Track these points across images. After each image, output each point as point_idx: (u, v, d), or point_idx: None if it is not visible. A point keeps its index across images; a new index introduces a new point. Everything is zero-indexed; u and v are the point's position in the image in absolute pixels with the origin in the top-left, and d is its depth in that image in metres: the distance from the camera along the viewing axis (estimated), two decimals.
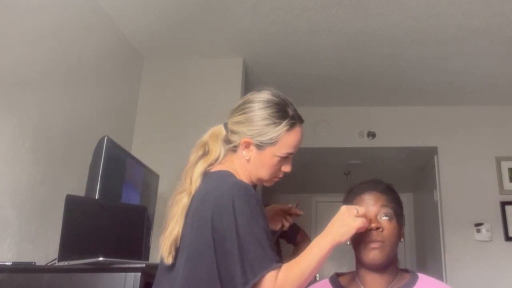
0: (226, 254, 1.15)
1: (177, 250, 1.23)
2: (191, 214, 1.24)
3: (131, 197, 2.39)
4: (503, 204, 3.69)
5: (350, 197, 1.32)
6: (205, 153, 1.35)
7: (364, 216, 1.18)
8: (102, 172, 2.08)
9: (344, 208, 1.19)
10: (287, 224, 1.53)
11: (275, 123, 1.29)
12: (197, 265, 1.19)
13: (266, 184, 1.39)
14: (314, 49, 3.14)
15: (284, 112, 1.31)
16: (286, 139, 1.30)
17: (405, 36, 2.94)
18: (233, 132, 1.33)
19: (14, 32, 1.94)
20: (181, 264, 1.21)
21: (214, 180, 1.27)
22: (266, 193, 4.16)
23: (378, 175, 1.60)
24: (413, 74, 3.46)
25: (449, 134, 3.95)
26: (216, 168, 1.32)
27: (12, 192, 1.92)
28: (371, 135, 4.04)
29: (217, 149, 1.34)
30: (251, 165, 1.32)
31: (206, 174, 1.30)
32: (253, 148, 1.30)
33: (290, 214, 1.54)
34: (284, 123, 1.29)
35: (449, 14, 2.70)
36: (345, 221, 1.16)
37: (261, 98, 1.33)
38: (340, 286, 1.31)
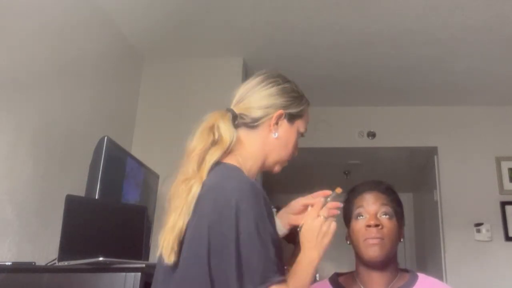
0: (222, 261, 1.01)
1: (180, 246, 1.07)
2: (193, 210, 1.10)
3: (131, 197, 2.39)
4: (503, 204, 3.69)
5: (351, 196, 1.33)
6: (216, 140, 1.19)
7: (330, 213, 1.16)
8: (102, 172, 2.07)
9: (310, 222, 1.16)
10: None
11: (301, 96, 1.28)
12: (189, 268, 1.06)
13: (276, 170, 1.28)
14: (314, 49, 3.14)
15: (300, 90, 1.30)
16: (307, 114, 1.29)
17: (405, 36, 2.94)
18: (258, 107, 1.23)
19: (14, 32, 1.94)
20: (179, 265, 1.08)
21: (219, 174, 1.13)
22: (266, 193, 4.15)
23: (378, 175, 1.61)
24: (413, 74, 3.46)
25: (449, 134, 3.95)
26: (226, 159, 1.18)
27: (12, 192, 1.92)
28: (371, 135, 4.03)
29: (231, 133, 1.19)
30: (278, 143, 1.23)
31: (216, 165, 1.15)
32: (284, 121, 1.24)
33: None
34: (305, 98, 1.29)
35: (449, 14, 2.70)
36: (322, 233, 1.14)
37: (280, 74, 1.30)
38: (340, 286, 1.31)
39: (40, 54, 2.12)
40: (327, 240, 1.13)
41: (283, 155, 1.26)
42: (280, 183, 4.05)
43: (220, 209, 1.04)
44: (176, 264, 1.07)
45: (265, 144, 1.23)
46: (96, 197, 2.03)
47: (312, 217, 1.16)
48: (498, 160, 3.80)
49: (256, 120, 1.23)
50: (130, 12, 2.75)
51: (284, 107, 1.24)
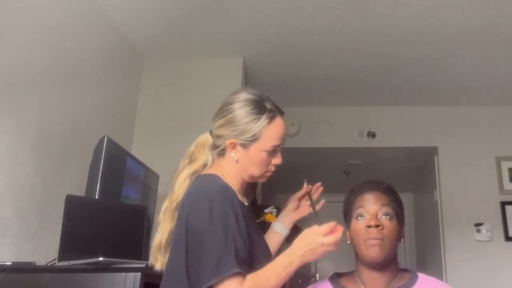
0: (195, 254, 1.17)
1: (162, 256, 1.29)
2: (176, 218, 1.29)
3: (131, 197, 2.40)
4: (503, 204, 3.69)
5: (352, 196, 1.33)
6: (191, 161, 1.38)
7: (332, 230, 1.19)
8: (102, 172, 2.08)
9: (310, 235, 1.20)
10: (306, 210, 1.52)
11: (255, 119, 1.31)
12: (172, 267, 1.23)
13: (260, 180, 1.40)
14: (314, 49, 3.14)
15: (262, 107, 1.33)
16: (269, 133, 1.31)
17: (405, 36, 2.94)
18: (217, 136, 1.36)
19: (14, 32, 1.94)
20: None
21: (196, 183, 1.30)
22: (266, 194, 4.15)
23: (378, 175, 1.60)
24: (413, 74, 3.46)
25: (449, 134, 3.95)
26: (204, 171, 1.34)
27: (12, 192, 1.92)
28: (371, 135, 4.03)
29: (202, 157, 1.37)
30: (241, 164, 1.33)
31: (195, 178, 1.33)
32: (239, 148, 1.32)
33: (309, 194, 1.51)
34: (264, 117, 1.31)
35: (449, 14, 2.70)
36: (312, 250, 1.18)
37: (238, 98, 1.35)
38: (340, 286, 1.31)
39: (40, 55, 2.12)
40: (312, 258, 1.19)
41: (255, 172, 1.35)
42: (280, 183, 4.05)
43: (193, 212, 1.21)
44: (162, 269, 1.28)
45: (233, 166, 1.34)
46: (96, 197, 2.03)
47: (317, 233, 1.19)
48: (498, 160, 3.79)
49: (218, 146, 1.36)
50: (130, 12, 2.75)
51: (235, 136, 1.31)
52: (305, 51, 3.17)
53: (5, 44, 1.88)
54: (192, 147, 1.40)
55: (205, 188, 1.25)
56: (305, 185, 1.50)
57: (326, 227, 1.19)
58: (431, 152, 4.01)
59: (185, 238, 1.19)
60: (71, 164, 2.32)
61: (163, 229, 1.30)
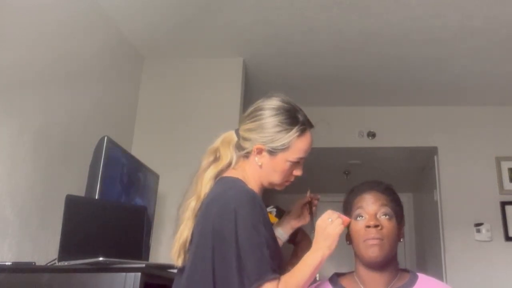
0: (224, 261, 1.17)
1: (185, 253, 1.27)
2: (198, 218, 1.28)
3: (131, 197, 2.40)
4: (503, 204, 3.69)
5: (351, 197, 1.33)
6: (216, 159, 1.37)
7: (341, 217, 1.22)
8: (102, 172, 2.08)
9: (319, 222, 1.22)
10: (308, 219, 1.53)
11: (286, 129, 1.32)
12: (196, 268, 1.22)
13: (277, 188, 1.40)
14: (314, 49, 3.14)
15: (294, 118, 1.34)
16: (298, 145, 1.33)
17: (405, 36, 2.94)
18: (245, 139, 1.35)
19: (14, 32, 1.94)
20: (186, 266, 1.26)
21: (222, 186, 1.30)
22: (266, 193, 4.15)
23: (378, 175, 1.60)
24: (413, 74, 3.46)
25: (449, 134, 3.95)
26: (228, 173, 1.34)
27: (12, 192, 1.92)
28: (371, 135, 4.04)
29: (228, 155, 1.36)
30: (264, 170, 1.34)
31: (219, 179, 1.33)
32: (266, 154, 1.33)
33: (310, 203, 1.53)
34: (295, 129, 1.32)
35: (449, 14, 2.70)
36: (326, 234, 1.20)
37: (271, 105, 1.35)
38: (340, 286, 1.31)
39: (40, 55, 2.12)
40: (329, 242, 1.20)
41: (275, 179, 1.37)
42: None
43: (221, 216, 1.20)
44: (183, 267, 1.27)
45: (256, 170, 1.35)
46: (96, 197, 2.03)
47: (322, 219, 1.23)
48: (498, 160, 3.79)
49: (243, 148, 1.36)
50: (130, 12, 2.75)
51: (263, 143, 1.32)
52: (305, 51, 3.17)
53: (5, 44, 1.88)
54: (217, 143, 1.40)
55: (233, 192, 1.25)
56: (308, 194, 1.51)
57: (328, 212, 1.23)
58: (431, 152, 4.01)
59: (211, 241, 1.20)
60: (71, 164, 2.32)
61: (188, 227, 1.29)
